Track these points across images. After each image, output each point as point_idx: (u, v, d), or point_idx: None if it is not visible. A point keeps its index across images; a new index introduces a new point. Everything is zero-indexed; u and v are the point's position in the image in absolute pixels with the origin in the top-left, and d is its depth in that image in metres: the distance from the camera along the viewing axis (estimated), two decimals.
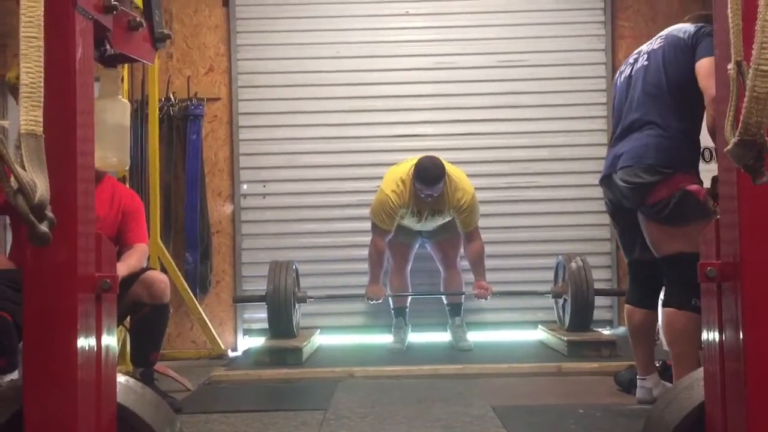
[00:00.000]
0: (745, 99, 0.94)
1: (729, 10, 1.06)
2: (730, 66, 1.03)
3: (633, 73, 2.85)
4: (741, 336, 1.36)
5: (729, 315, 1.43)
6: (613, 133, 2.94)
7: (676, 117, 2.67)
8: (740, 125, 0.95)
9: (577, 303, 4.19)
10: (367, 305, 4.65)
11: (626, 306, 3.00)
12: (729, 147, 0.99)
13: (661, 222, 2.65)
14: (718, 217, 1.48)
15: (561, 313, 4.48)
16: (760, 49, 0.91)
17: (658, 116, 2.70)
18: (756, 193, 1.31)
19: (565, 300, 4.34)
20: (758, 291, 1.36)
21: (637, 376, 2.96)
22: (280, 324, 4.18)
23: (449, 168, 4.23)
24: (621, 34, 4.94)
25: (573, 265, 4.25)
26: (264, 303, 4.23)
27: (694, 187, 2.60)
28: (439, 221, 4.36)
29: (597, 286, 4.34)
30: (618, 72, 3.04)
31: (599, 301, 4.42)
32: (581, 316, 4.21)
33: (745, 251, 1.36)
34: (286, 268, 4.23)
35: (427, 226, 4.40)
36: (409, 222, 4.35)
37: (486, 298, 4.39)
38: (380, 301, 4.41)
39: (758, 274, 1.36)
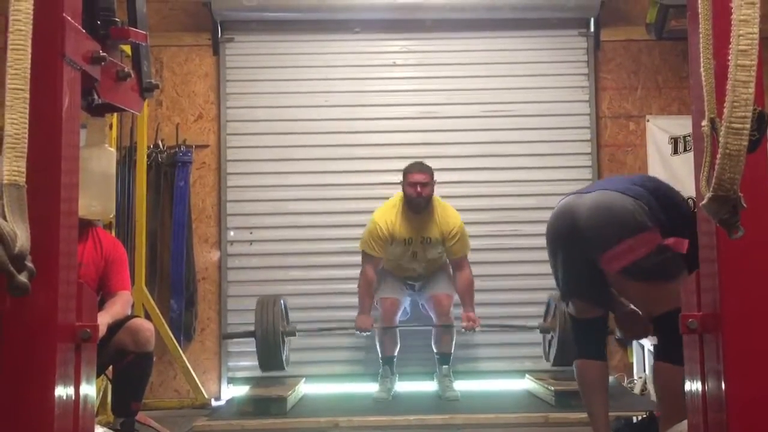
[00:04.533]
0: (718, 155, 0.97)
1: (702, 69, 1.09)
2: (704, 123, 1.06)
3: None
4: (723, 387, 1.36)
5: (711, 366, 1.43)
6: None
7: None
8: (714, 181, 0.97)
9: (564, 338, 4.14)
10: (353, 353, 4.61)
11: (579, 361, 2.78)
12: (704, 202, 1.01)
13: (644, 280, 2.51)
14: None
15: (547, 348, 4.48)
16: (731, 107, 0.94)
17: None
18: (734, 245, 1.32)
19: (552, 336, 4.33)
20: (739, 342, 1.36)
21: None
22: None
23: (438, 199, 4.35)
24: (604, 86, 5.03)
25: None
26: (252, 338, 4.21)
27: (670, 240, 2.48)
28: (431, 254, 4.35)
29: None
30: None
31: None
32: (567, 352, 4.17)
33: (725, 303, 1.37)
34: (273, 303, 4.24)
35: (418, 262, 4.36)
36: (400, 253, 4.33)
37: (474, 330, 4.38)
38: (369, 333, 4.38)
39: (739, 325, 1.37)
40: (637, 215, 2.49)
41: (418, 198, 4.25)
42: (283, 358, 4.27)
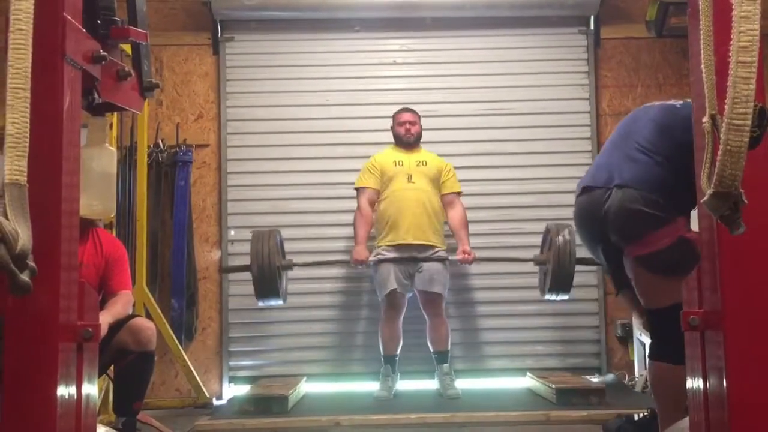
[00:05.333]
0: (719, 152, 0.96)
1: (703, 66, 1.09)
2: (705, 119, 1.06)
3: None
4: (725, 384, 1.36)
5: (712, 363, 1.43)
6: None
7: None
8: (715, 178, 0.97)
9: (559, 270, 4.08)
10: (354, 352, 4.59)
11: (653, 363, 2.61)
12: (705, 198, 1.01)
13: (658, 272, 2.47)
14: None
15: (543, 281, 4.40)
16: (732, 104, 0.94)
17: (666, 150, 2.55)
18: (736, 241, 1.32)
19: (548, 268, 4.27)
20: (741, 339, 1.36)
21: None
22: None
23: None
24: (604, 83, 5.03)
25: (560, 238, 4.17)
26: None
27: (693, 235, 2.41)
28: (427, 181, 4.39)
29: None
30: None
31: (587, 347, 4.38)
32: (561, 282, 4.12)
33: (727, 299, 1.37)
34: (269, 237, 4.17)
35: (415, 190, 4.34)
36: (394, 176, 4.38)
37: (470, 263, 4.41)
38: (365, 266, 4.36)
39: (740, 322, 1.37)
40: (654, 210, 2.48)
41: (407, 135, 4.47)
42: (280, 290, 4.17)
